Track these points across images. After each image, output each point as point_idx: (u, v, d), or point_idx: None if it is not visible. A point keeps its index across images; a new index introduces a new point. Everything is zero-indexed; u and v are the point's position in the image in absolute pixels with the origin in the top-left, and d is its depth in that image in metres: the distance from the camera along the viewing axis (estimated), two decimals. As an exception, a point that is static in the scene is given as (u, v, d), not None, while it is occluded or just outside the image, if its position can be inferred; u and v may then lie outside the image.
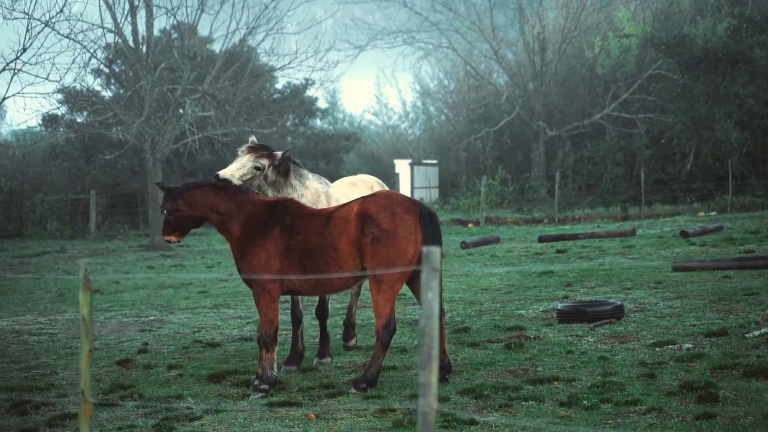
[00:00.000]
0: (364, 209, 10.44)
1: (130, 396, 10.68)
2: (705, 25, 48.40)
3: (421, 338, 4.37)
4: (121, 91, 42.91)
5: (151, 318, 17.14)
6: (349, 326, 13.15)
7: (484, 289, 18.79)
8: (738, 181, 41.02)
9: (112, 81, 46.38)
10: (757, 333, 12.13)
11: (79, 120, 44.77)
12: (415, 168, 56.23)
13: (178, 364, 12.40)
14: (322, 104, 62.33)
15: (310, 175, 12.14)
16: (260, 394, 10.49)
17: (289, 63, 37.96)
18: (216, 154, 45.75)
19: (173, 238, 11.11)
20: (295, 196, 11.67)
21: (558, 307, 14.42)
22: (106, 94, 45.16)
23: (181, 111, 36.08)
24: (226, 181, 11.29)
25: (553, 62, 53.69)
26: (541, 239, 29.34)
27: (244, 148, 11.79)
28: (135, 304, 19.35)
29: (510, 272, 21.10)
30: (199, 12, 36.52)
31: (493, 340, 13.10)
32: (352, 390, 10.45)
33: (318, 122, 62.05)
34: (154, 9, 36.30)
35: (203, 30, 42.83)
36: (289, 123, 53.89)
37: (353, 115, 78.00)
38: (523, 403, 9.67)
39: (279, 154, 11.72)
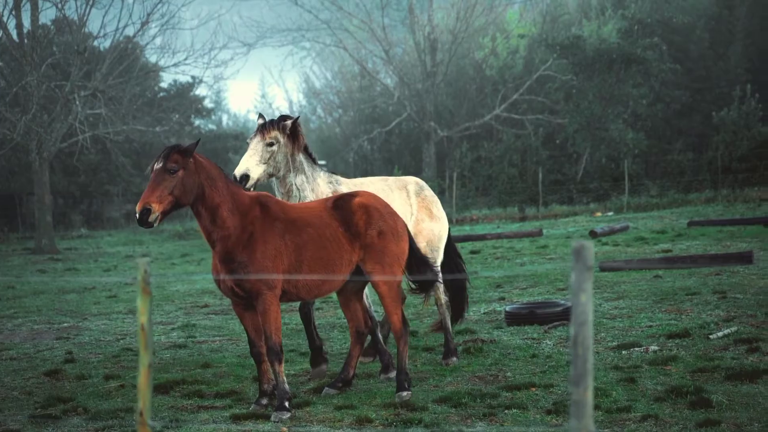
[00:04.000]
0: (367, 201, 9.68)
1: (73, 410, 9.73)
2: (591, 28, 48.87)
3: (574, 349, 3.73)
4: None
5: (65, 325, 16.10)
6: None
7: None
8: (633, 182, 41.31)
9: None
10: (720, 334, 11.78)
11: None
12: (305, 169, 55.37)
13: (115, 374, 11.48)
14: (207, 103, 61.02)
15: (322, 174, 10.89)
16: (288, 414, 9.12)
17: (185, 59, 36.79)
18: (105, 153, 44.20)
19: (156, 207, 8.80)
20: (306, 187, 10.63)
21: (507, 309, 13.90)
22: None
23: (70, 108, 34.61)
24: (243, 180, 10.17)
25: (444, 63, 53.45)
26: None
27: (252, 134, 10.60)
28: (41, 310, 18.22)
29: (431, 273, 20.46)
30: (89, 6, 35.09)
31: (447, 344, 12.50)
32: (404, 395, 9.53)
33: (203, 122, 60.72)
34: (40, 2, 34.79)
35: (94, 25, 41.37)
36: (173, 122, 52.54)
37: (238, 114, 76.88)
38: (506, 411, 9.09)
39: (289, 123, 10.53)
